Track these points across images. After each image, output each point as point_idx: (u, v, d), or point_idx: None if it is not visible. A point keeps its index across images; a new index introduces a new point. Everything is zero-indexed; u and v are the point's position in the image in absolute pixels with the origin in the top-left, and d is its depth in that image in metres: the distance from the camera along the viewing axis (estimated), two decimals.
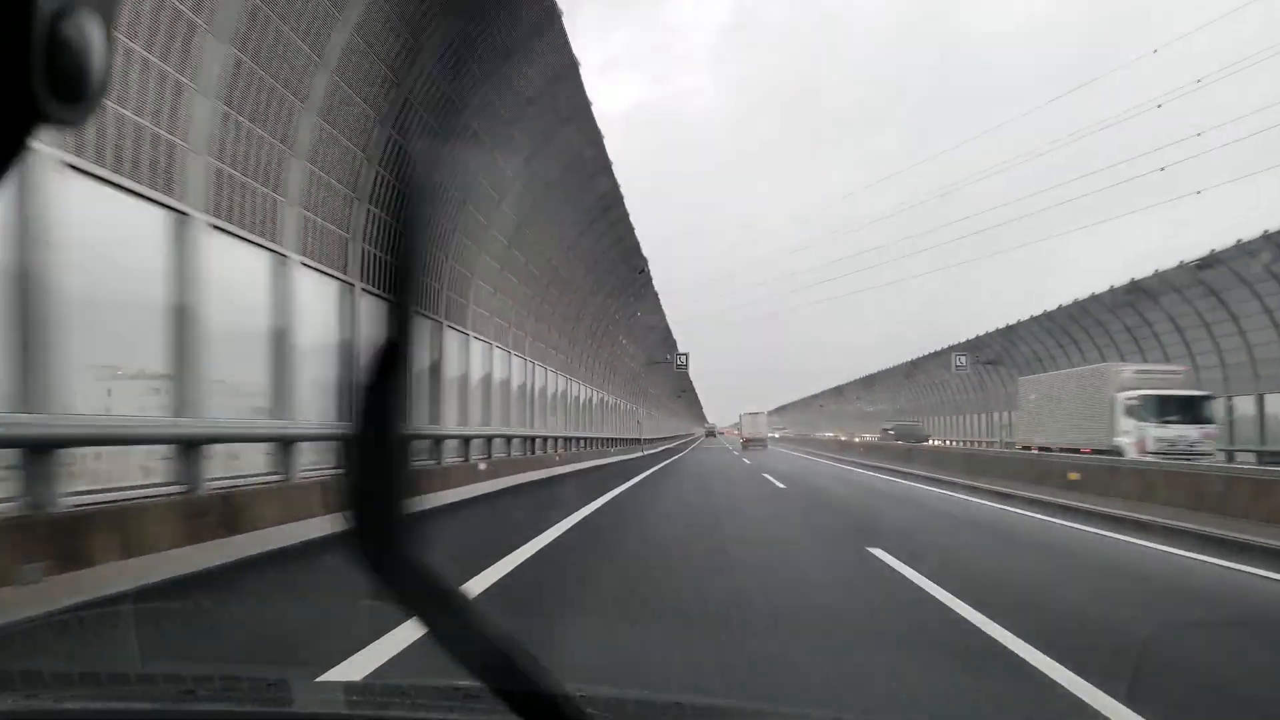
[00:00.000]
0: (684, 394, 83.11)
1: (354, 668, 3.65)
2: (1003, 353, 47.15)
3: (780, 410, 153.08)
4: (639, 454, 42.75)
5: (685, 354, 49.11)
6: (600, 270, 28.25)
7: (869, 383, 73.42)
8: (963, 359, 48.56)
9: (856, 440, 52.34)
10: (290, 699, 1.49)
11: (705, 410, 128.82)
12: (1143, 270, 30.22)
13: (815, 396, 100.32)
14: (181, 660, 3.66)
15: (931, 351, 53.52)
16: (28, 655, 4.12)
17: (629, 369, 46.71)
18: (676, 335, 50.55)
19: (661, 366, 50.71)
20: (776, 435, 79.89)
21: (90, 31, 0.46)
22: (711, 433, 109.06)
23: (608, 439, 37.91)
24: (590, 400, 35.89)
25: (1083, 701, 3.53)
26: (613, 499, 14.11)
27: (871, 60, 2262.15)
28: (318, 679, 2.96)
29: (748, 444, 59.04)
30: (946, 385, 56.02)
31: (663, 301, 42.06)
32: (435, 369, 15.26)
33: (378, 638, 3.94)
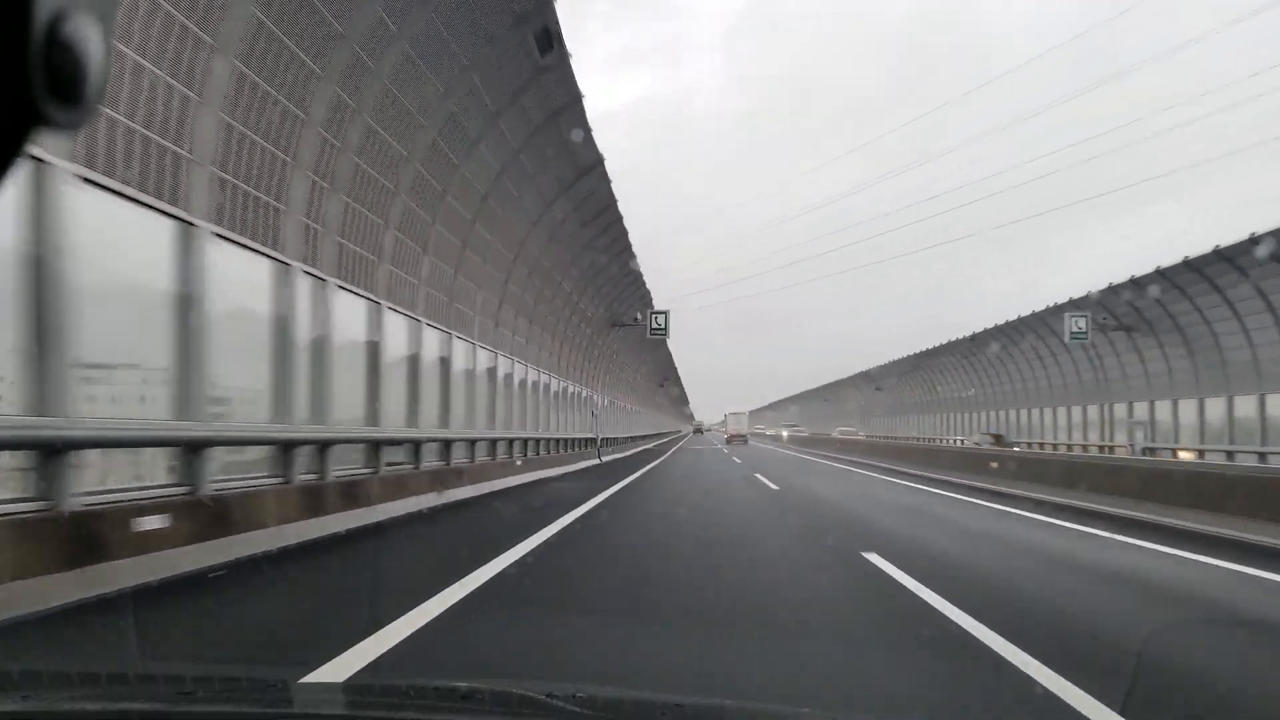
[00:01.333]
0: (666, 382, 66.83)
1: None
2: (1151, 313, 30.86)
3: (778, 405, 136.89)
4: (585, 464, 26.46)
5: (665, 312, 32.59)
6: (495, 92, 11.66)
7: (928, 358, 54.38)
8: (1081, 321, 32.37)
9: (994, 451, 32.66)
10: (289, 699, 1.48)
11: (696, 407, 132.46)
12: None
13: (838, 383, 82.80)
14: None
15: (1029, 313, 36.96)
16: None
17: (580, 333, 30.06)
18: (653, 289, 33.94)
19: (630, 331, 34.17)
20: (786, 434, 76.93)
21: (88, 35, 0.44)
22: (699, 430, 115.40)
23: (533, 440, 21.57)
24: (500, 378, 19.40)
25: None
26: None
27: (874, 58, 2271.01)
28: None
29: (732, 439, 67.75)
30: (1043, 364, 39.80)
31: (653, 269, 25.54)
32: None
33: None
